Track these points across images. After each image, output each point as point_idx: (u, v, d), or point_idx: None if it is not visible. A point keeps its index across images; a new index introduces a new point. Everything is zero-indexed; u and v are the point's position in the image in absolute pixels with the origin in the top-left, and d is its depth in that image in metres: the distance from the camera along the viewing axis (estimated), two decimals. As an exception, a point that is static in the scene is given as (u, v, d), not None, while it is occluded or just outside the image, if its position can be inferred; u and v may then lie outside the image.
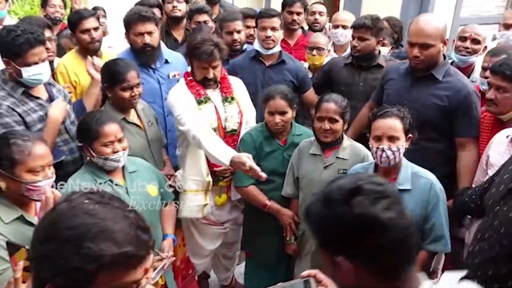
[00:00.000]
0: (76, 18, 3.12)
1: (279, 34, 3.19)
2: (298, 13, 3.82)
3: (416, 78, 2.66)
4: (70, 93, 2.93)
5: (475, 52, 3.16)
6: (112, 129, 2.16)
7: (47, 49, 3.03)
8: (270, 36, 3.09)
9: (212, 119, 2.66)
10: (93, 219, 0.94)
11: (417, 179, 2.20)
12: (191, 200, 2.73)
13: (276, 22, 3.13)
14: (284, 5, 3.89)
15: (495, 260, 1.77)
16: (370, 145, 2.24)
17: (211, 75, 2.62)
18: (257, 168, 2.37)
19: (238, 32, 3.42)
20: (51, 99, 2.47)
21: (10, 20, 3.95)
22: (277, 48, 3.18)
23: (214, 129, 2.66)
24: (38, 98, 2.40)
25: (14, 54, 2.24)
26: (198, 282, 3.34)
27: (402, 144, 2.16)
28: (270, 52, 3.15)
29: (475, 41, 3.16)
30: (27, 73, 2.27)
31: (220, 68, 2.68)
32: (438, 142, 2.64)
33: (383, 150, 2.14)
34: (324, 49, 3.52)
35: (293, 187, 2.64)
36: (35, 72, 2.28)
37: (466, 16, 6.08)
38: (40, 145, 1.76)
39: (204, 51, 2.54)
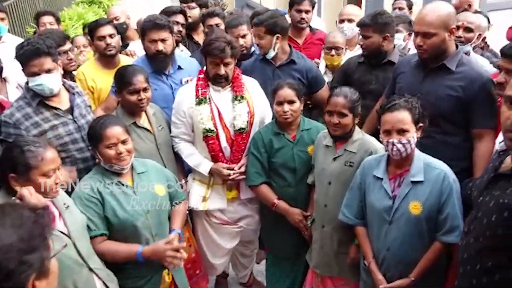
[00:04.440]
0: (93, 26, 3.36)
1: (268, 40, 3.07)
2: (307, 11, 3.74)
3: (428, 70, 2.59)
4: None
5: (468, 41, 3.06)
6: (114, 131, 2.22)
7: (70, 59, 3.21)
8: (258, 44, 3.11)
9: (205, 119, 2.72)
10: None
11: (430, 170, 2.17)
12: (195, 189, 2.87)
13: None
14: (292, 3, 3.79)
15: (481, 253, 1.71)
16: (381, 139, 2.23)
17: (222, 72, 2.68)
18: (232, 176, 2.75)
19: (243, 37, 3.40)
20: (71, 109, 2.53)
21: (10, 37, 4.08)
22: (272, 53, 3.10)
23: (208, 130, 2.72)
24: (55, 108, 2.47)
25: (21, 64, 2.39)
26: (217, 280, 3.41)
27: (413, 135, 2.13)
28: (268, 56, 3.13)
29: (468, 30, 3.06)
30: (31, 82, 2.40)
31: (232, 67, 2.74)
32: (454, 135, 2.56)
33: (393, 144, 2.12)
34: (342, 48, 3.49)
35: (313, 175, 2.67)
36: (37, 82, 2.37)
37: (492, 1, 5.77)
38: (50, 150, 1.91)
39: (216, 47, 2.62)
